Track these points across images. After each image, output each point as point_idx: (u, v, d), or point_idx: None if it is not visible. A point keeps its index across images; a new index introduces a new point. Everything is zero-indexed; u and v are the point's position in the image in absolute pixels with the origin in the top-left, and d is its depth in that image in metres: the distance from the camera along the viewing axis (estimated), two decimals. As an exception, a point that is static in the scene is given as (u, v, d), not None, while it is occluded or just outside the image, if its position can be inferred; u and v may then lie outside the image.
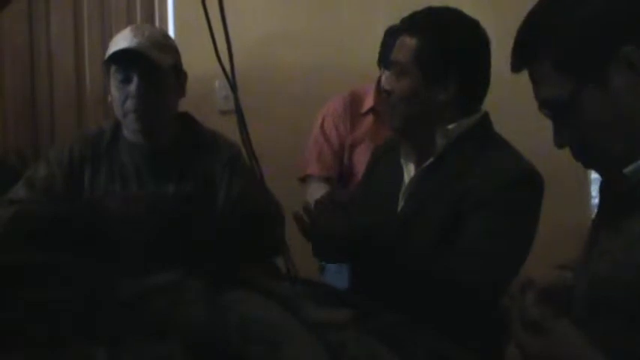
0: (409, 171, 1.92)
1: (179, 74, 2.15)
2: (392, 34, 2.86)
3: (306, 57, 3.00)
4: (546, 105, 1.28)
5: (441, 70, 1.83)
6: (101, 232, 1.75)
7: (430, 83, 1.83)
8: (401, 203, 1.89)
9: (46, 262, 0.89)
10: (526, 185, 1.79)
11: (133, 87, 2.04)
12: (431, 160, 1.85)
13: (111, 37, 2.21)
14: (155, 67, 2.04)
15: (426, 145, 1.87)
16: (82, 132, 2.35)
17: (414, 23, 1.88)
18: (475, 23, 1.88)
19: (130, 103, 2.05)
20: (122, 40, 2.05)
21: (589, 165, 1.33)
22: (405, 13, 1.92)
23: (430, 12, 1.89)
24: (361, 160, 2.87)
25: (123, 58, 2.04)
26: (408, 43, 1.85)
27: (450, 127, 1.84)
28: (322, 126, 2.99)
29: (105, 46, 2.20)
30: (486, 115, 1.90)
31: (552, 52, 1.24)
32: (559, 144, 1.30)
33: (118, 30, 2.20)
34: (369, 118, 2.95)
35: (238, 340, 0.78)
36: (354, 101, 2.97)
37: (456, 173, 1.81)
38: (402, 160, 1.93)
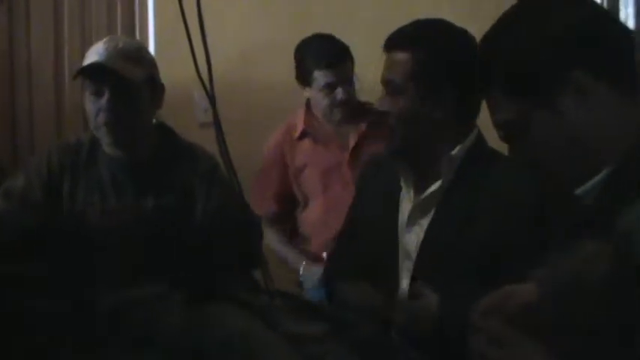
0: (409, 191, 1.86)
1: (154, 87, 2.14)
2: (302, 49, 2.86)
3: (286, 69, 2.99)
4: (499, 127, 1.30)
5: (438, 84, 1.76)
6: (82, 243, 1.74)
7: (427, 100, 1.76)
8: (409, 228, 1.83)
9: (33, 272, 0.90)
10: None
11: (104, 101, 2.03)
12: (437, 186, 1.79)
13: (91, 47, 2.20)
14: (126, 81, 2.04)
15: (426, 166, 1.82)
16: (60, 142, 2.33)
17: (404, 38, 1.79)
18: (465, 33, 1.81)
19: (101, 117, 2.04)
20: (94, 54, 2.05)
21: (543, 186, 1.36)
22: (388, 26, 1.84)
23: (419, 25, 1.82)
24: (310, 182, 2.87)
25: (93, 72, 2.04)
26: (401, 59, 1.76)
27: (454, 152, 1.78)
28: (264, 165, 2.96)
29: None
30: (480, 133, 1.85)
31: (502, 77, 1.26)
32: None
33: (99, 40, 2.19)
34: (306, 142, 2.90)
35: (220, 352, 0.79)
36: (289, 130, 2.93)
37: (469, 197, 1.75)
38: (402, 183, 1.87)
